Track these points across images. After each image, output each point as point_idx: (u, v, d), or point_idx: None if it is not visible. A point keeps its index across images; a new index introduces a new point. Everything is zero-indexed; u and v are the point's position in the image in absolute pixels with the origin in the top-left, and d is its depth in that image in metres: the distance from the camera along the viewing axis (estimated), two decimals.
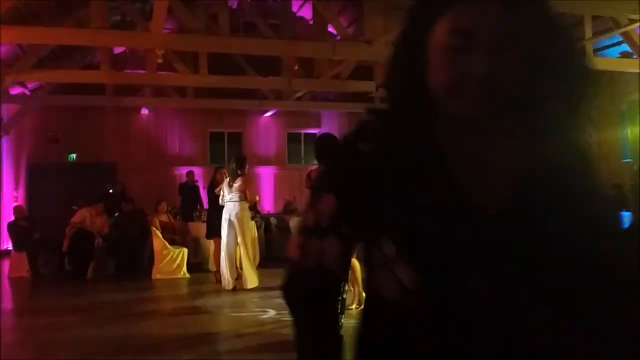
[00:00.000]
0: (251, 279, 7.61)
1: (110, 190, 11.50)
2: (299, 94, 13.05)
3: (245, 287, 7.55)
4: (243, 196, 7.50)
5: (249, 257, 7.63)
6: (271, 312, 6.12)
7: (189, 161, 14.43)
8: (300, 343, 0.99)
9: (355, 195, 0.91)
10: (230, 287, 7.61)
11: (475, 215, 0.85)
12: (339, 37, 11.20)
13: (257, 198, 11.10)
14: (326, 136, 5.46)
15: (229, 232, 7.58)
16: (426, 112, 0.90)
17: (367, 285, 0.95)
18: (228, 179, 7.69)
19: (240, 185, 7.49)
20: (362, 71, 11.30)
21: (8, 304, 8.06)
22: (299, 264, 0.97)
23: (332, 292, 0.98)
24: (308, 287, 0.97)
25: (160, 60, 8.79)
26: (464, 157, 0.88)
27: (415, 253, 0.86)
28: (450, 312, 0.84)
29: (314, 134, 15.47)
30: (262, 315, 6.07)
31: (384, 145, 0.91)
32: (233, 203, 7.53)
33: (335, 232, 0.92)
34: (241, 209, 7.52)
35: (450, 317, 0.84)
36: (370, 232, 0.90)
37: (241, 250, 7.64)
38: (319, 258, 0.93)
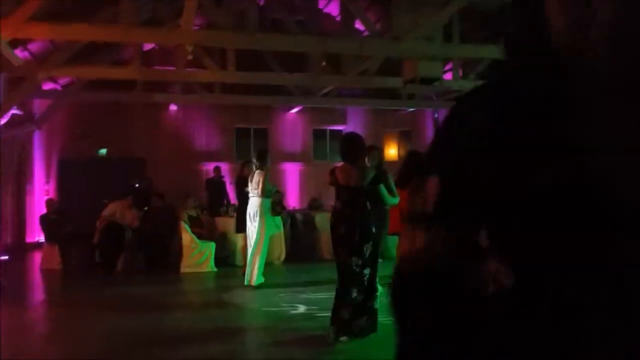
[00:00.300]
0: (249, 276, 7.53)
1: (137, 185, 11.68)
2: (325, 91, 13.06)
3: (245, 283, 7.52)
4: (260, 191, 7.52)
5: (254, 253, 7.55)
6: (301, 308, 6.13)
7: (215, 157, 14.56)
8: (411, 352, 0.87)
9: (459, 175, 0.78)
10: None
11: (603, 201, 0.70)
12: (366, 33, 11.18)
13: (280, 195, 11.06)
14: (352, 135, 5.53)
15: (251, 227, 7.63)
16: (551, 71, 0.75)
17: (463, 276, 0.82)
18: (253, 172, 7.70)
19: (257, 180, 7.53)
20: (390, 67, 11.25)
21: (40, 295, 8.26)
22: (406, 260, 0.84)
23: (443, 292, 0.80)
24: (415, 289, 0.82)
25: (190, 57, 8.87)
26: (595, 127, 0.72)
27: (518, 244, 0.74)
28: (559, 320, 0.72)
29: (340, 130, 15.47)
30: (292, 310, 6.09)
31: (496, 113, 0.77)
32: (253, 198, 7.58)
33: (442, 220, 0.79)
34: (259, 204, 7.53)
35: (557, 327, 0.72)
36: (471, 217, 0.77)
37: (250, 246, 7.61)
38: (427, 252, 0.80)
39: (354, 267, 4.95)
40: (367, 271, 5.01)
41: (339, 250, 5.05)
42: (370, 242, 5.01)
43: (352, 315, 4.96)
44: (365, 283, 5.01)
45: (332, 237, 5.15)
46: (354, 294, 4.95)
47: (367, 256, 4.98)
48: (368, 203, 5.06)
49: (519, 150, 0.73)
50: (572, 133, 0.72)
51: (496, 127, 0.76)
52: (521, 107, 0.75)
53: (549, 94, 0.74)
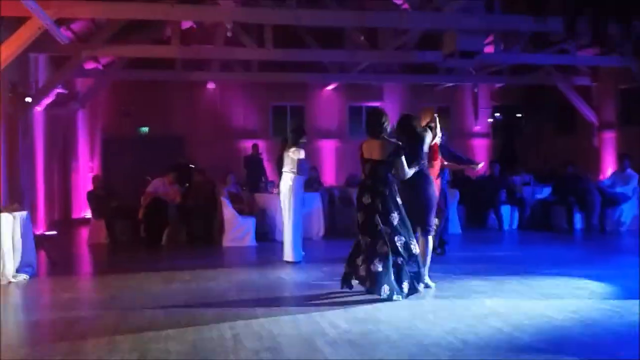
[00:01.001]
0: (287, 253, 7.60)
1: (191, 165, 12.04)
2: (362, 67, 12.99)
3: (284, 259, 7.60)
4: (294, 167, 7.55)
5: (290, 230, 7.61)
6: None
7: (252, 134, 14.72)
8: None
9: None
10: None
11: None
12: (404, 6, 11.02)
13: (315, 172, 11.03)
14: (374, 110, 5.86)
15: (285, 202, 7.67)
16: None
17: None
18: (287, 148, 7.65)
19: (293, 155, 7.55)
20: (428, 41, 11.10)
21: (91, 267, 8.57)
22: None
23: None
24: None
25: (229, 34, 8.93)
26: None
27: None
28: None
29: (376, 107, 15.35)
30: (337, 285, 6.13)
31: None
32: (287, 174, 7.60)
33: None
34: (293, 180, 7.56)
35: None
36: None
37: (286, 221, 7.67)
38: None
39: (386, 235, 5.35)
40: (398, 238, 5.37)
41: (369, 220, 5.40)
42: (397, 212, 5.40)
43: (397, 276, 5.35)
44: (401, 249, 5.37)
45: (358, 207, 5.56)
46: (395, 259, 5.36)
47: (395, 224, 5.38)
48: (390, 174, 5.43)
49: None
50: None
51: None
52: None
53: None
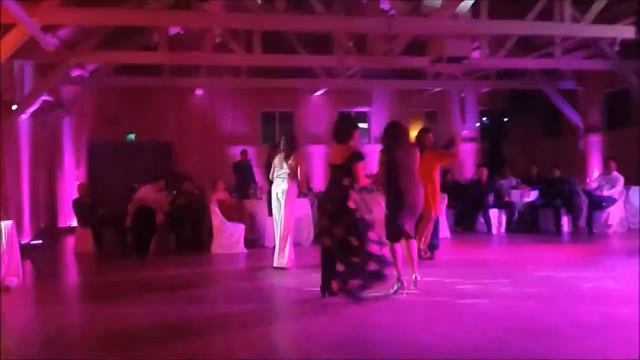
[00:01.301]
0: (278, 259, 7.56)
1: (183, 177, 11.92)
2: (351, 72, 13.01)
3: (274, 265, 7.55)
4: (293, 174, 7.55)
5: (283, 236, 7.57)
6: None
7: (241, 140, 14.68)
8: None
9: None
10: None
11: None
12: (392, 12, 11.07)
13: (306, 177, 11.07)
14: (341, 117, 6.20)
15: (278, 208, 7.64)
16: None
17: None
18: (281, 155, 7.64)
19: (292, 163, 7.54)
20: (416, 46, 11.15)
21: (77, 277, 8.46)
22: None
23: None
24: None
25: (218, 40, 8.91)
26: None
27: None
28: None
29: (365, 112, 15.44)
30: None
31: None
32: (280, 179, 7.59)
33: None
34: (289, 186, 7.56)
35: None
36: None
37: (278, 228, 7.64)
38: None
39: (339, 237, 5.40)
40: (352, 239, 5.37)
41: (326, 223, 5.49)
42: (350, 215, 5.40)
43: (351, 275, 5.42)
44: (356, 249, 5.37)
45: (320, 212, 5.74)
46: (349, 259, 5.41)
47: (349, 226, 5.38)
48: (348, 179, 5.45)
49: None
50: None
51: None
52: None
53: None
